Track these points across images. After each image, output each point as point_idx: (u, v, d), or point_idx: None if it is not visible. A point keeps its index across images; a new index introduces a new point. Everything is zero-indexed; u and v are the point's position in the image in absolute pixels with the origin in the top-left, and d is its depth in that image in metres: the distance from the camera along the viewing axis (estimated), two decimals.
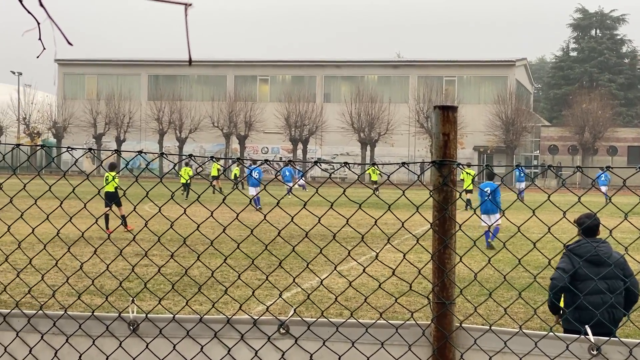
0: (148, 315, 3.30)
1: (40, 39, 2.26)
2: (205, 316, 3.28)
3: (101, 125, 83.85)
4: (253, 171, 34.47)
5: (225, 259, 3.40)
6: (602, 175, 44.48)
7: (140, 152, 3.36)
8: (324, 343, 3.18)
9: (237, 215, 3.21)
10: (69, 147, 3.41)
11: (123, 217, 22.74)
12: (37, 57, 2.46)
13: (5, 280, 12.30)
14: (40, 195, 3.52)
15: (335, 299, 2.93)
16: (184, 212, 3.39)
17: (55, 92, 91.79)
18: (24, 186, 3.32)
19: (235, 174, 50.61)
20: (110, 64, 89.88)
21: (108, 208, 23.34)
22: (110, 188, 23.19)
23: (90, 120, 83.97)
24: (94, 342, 3.31)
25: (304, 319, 3.21)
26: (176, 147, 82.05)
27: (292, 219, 3.25)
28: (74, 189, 3.43)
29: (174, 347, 3.27)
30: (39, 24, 2.17)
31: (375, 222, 3.28)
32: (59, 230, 3.47)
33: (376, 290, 3.83)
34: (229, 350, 3.25)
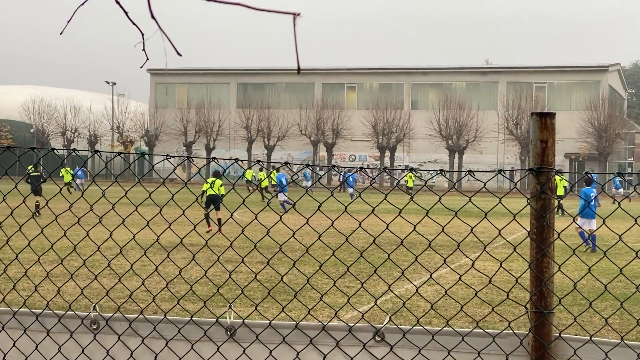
0: (245, 320, 3.34)
1: (144, 49, 2.32)
2: (300, 322, 3.31)
3: (191, 133, 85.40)
4: (282, 177, 36.65)
5: (321, 266, 3.42)
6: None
7: (236, 160, 3.41)
8: (419, 351, 3.17)
9: (332, 223, 3.23)
10: (167, 155, 3.49)
11: (219, 221, 24.20)
12: (141, 67, 2.53)
13: (100, 286, 12.57)
14: (140, 203, 3.60)
15: (432, 306, 2.92)
16: (280, 219, 3.43)
17: (147, 101, 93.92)
18: (125, 193, 3.40)
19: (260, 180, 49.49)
20: (200, 73, 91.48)
21: (210, 209, 24.63)
22: (215, 191, 24.58)
23: (180, 128, 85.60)
24: (192, 346, 3.37)
25: (399, 326, 3.21)
26: (264, 155, 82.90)
27: (387, 226, 3.25)
28: (172, 196, 3.50)
29: (270, 352, 3.30)
30: (142, 35, 2.23)
31: (472, 229, 3.26)
32: (158, 237, 3.55)
33: (472, 298, 3.80)
34: (324, 357, 3.26)
